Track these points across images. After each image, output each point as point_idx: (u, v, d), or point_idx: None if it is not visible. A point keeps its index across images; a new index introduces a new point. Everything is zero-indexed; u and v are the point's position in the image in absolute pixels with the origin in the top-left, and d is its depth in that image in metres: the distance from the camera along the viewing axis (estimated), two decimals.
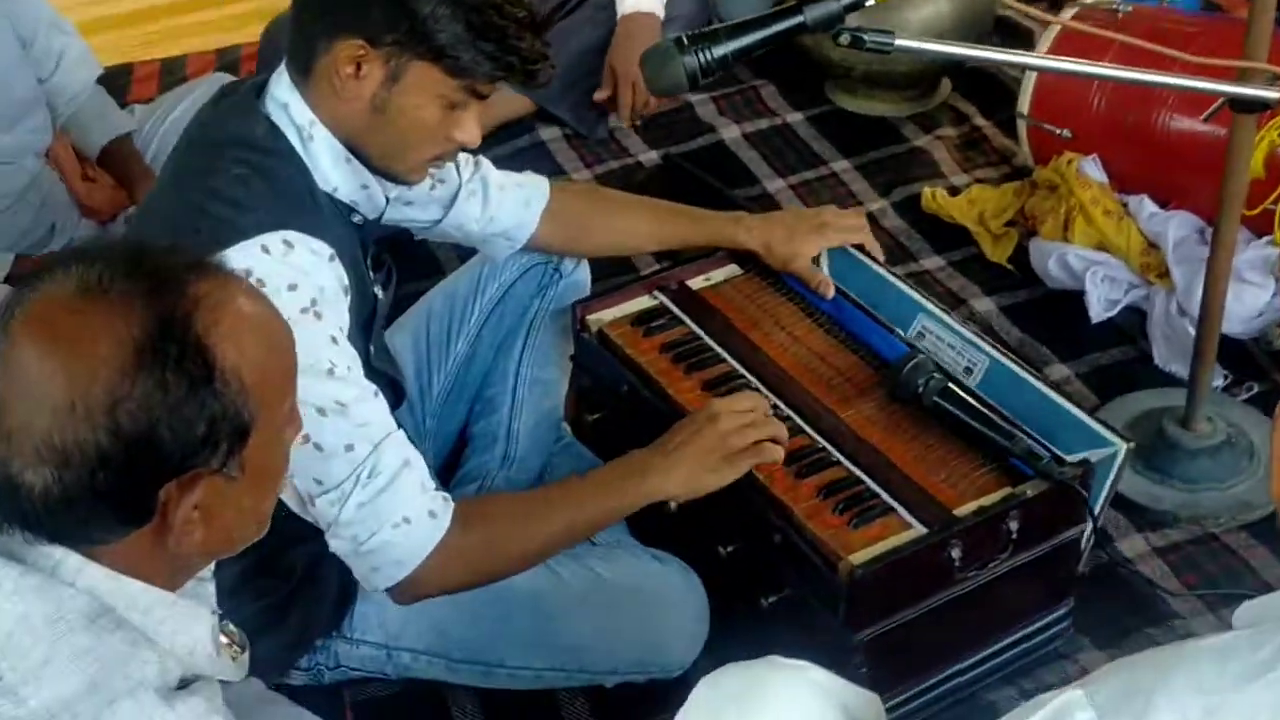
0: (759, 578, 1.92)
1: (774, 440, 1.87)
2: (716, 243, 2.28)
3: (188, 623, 1.23)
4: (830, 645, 1.79)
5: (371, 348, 1.87)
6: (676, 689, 1.72)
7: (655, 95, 2.98)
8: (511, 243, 2.18)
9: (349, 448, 1.70)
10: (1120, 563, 2.19)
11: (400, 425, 1.77)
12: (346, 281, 1.75)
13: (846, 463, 1.94)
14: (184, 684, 1.20)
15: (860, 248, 2.25)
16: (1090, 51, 2.36)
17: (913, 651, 1.89)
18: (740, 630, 1.98)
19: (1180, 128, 2.59)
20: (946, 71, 3.24)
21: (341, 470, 1.70)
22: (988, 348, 2.08)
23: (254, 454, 1.21)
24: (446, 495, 1.78)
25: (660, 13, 3.14)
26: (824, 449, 1.97)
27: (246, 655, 1.32)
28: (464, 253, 2.47)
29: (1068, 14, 2.73)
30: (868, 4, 1.70)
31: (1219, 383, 2.44)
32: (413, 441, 1.78)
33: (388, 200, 1.86)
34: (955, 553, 1.82)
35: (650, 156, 3.14)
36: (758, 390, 2.05)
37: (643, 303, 2.24)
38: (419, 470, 1.75)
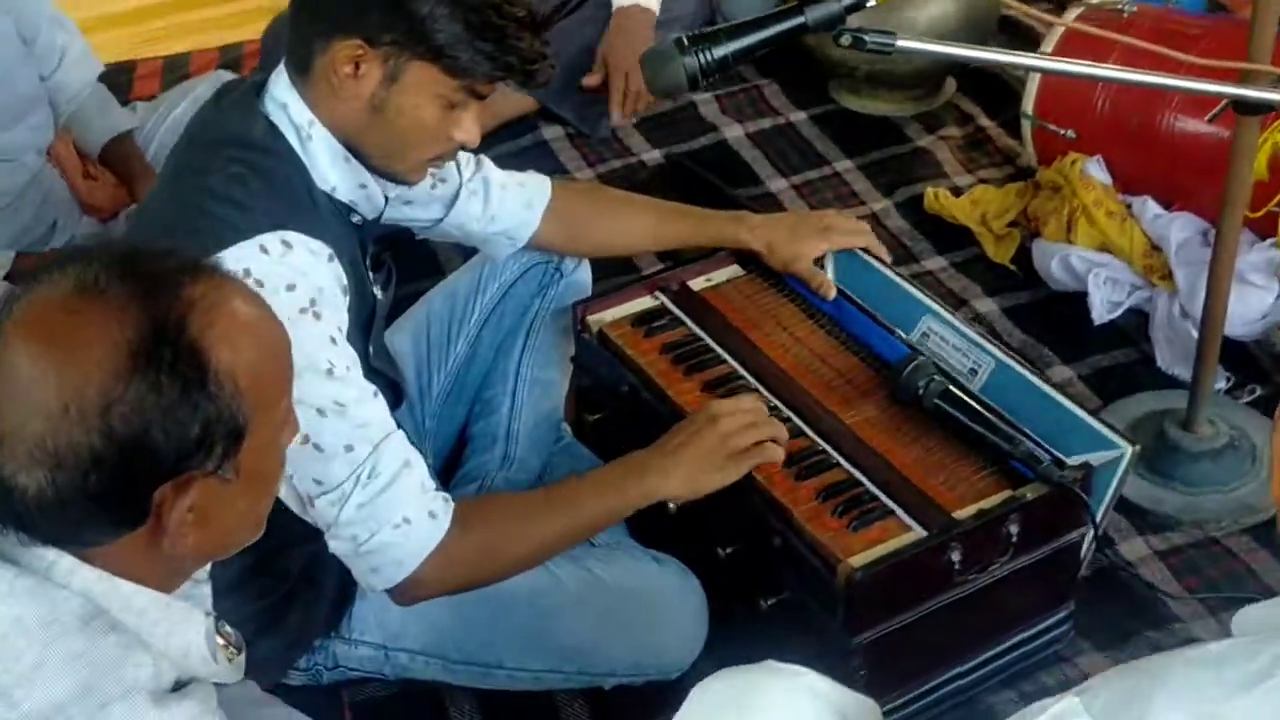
0: (758, 580, 1.91)
1: (774, 440, 1.87)
2: (719, 242, 2.27)
3: (182, 625, 1.23)
4: (829, 648, 1.79)
5: (371, 348, 1.86)
6: (675, 691, 1.71)
7: (655, 95, 2.97)
8: (513, 242, 2.18)
9: (348, 448, 1.69)
10: (1121, 566, 2.18)
11: (400, 426, 1.77)
12: (345, 282, 1.75)
13: (846, 465, 1.94)
14: (179, 686, 1.19)
15: (865, 250, 2.24)
16: (1095, 52, 2.36)
17: (912, 654, 1.88)
18: (739, 632, 1.97)
19: (1184, 129, 2.58)
20: (951, 71, 3.23)
21: (341, 471, 1.69)
22: (993, 349, 2.07)
23: (249, 456, 1.20)
24: (446, 496, 1.77)
25: (655, 8, 3.13)
26: (824, 451, 1.96)
27: (243, 657, 1.31)
28: (465, 252, 2.47)
29: (1072, 15, 2.72)
30: (870, 4, 1.70)
31: (1221, 385, 2.43)
32: (413, 442, 1.78)
33: (387, 200, 1.86)
34: (955, 556, 1.82)
35: (653, 156, 3.14)
36: (758, 392, 2.04)
37: (643, 303, 2.23)
38: (419, 471, 1.75)
